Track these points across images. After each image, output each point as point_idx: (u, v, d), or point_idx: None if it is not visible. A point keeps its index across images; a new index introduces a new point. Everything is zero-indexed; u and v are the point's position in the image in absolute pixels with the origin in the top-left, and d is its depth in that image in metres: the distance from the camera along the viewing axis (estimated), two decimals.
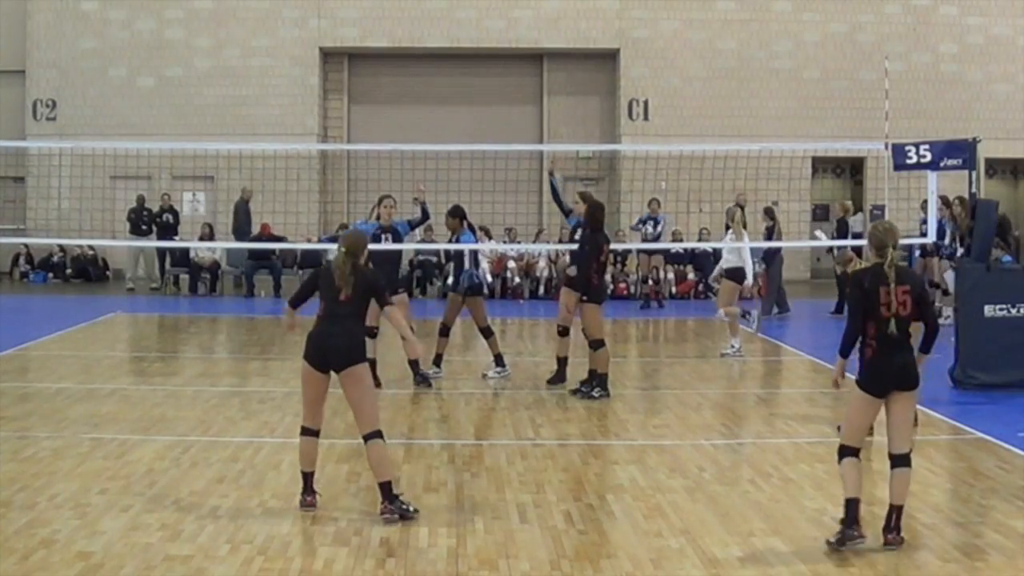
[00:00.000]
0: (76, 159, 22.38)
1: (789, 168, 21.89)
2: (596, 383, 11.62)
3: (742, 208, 16.36)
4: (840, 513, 6.75)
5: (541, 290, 23.32)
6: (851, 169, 28.93)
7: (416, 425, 10.32)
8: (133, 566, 6.28)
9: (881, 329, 6.69)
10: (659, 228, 21.49)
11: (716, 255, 23.84)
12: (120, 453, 8.98)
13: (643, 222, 21.82)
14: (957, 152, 13.41)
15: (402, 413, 10.85)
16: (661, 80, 27.14)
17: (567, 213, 12.72)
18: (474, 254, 13.00)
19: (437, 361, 12.72)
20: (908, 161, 13.83)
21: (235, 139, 24.59)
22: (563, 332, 12.17)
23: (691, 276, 23.99)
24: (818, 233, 22.31)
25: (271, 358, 14.70)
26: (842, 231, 21.49)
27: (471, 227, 13.36)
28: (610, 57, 27.60)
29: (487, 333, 12.78)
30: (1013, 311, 12.04)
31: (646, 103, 27.11)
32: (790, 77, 27.29)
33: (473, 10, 27.13)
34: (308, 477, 7.45)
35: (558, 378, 12.21)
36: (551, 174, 13.18)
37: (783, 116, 26.89)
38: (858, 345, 6.84)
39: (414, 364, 12.17)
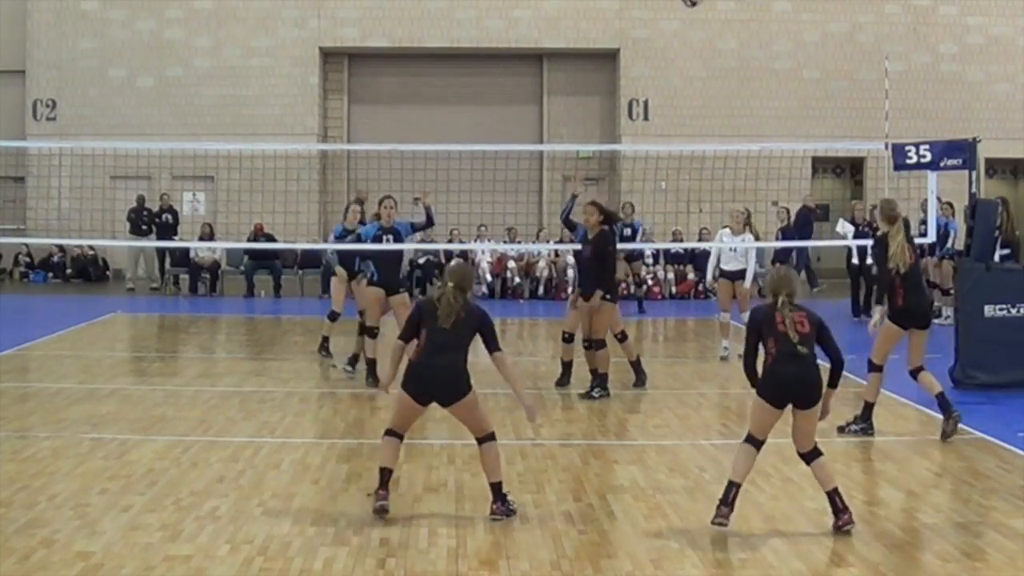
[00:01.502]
0: (76, 159, 22.40)
1: (789, 168, 21.88)
2: (597, 383, 11.64)
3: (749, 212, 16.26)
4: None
5: (541, 290, 23.33)
6: (851, 169, 28.93)
7: (416, 425, 10.27)
8: (133, 566, 6.28)
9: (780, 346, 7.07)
10: (638, 234, 20.54)
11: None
12: (120, 453, 8.98)
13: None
14: (957, 152, 13.41)
15: None
16: (661, 80, 27.14)
17: (573, 227, 12.65)
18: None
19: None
20: (908, 161, 13.83)
21: (235, 139, 24.60)
22: (570, 339, 12.19)
23: (691, 276, 23.99)
24: (841, 229, 20.88)
25: (271, 358, 14.70)
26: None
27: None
28: (610, 57, 27.60)
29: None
30: (1013, 311, 12.04)
31: (646, 103, 27.11)
32: (790, 77, 27.29)
33: (473, 10, 27.13)
34: (385, 473, 7.37)
35: (565, 379, 12.26)
36: (574, 196, 13.12)
37: (783, 116, 26.89)
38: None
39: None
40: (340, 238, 12.97)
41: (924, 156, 13.64)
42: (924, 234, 16.09)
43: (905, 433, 10.32)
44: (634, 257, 21.12)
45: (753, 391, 7.27)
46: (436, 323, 7.31)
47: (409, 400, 7.38)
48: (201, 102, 26.78)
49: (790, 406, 7.13)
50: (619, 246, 18.54)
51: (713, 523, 6.97)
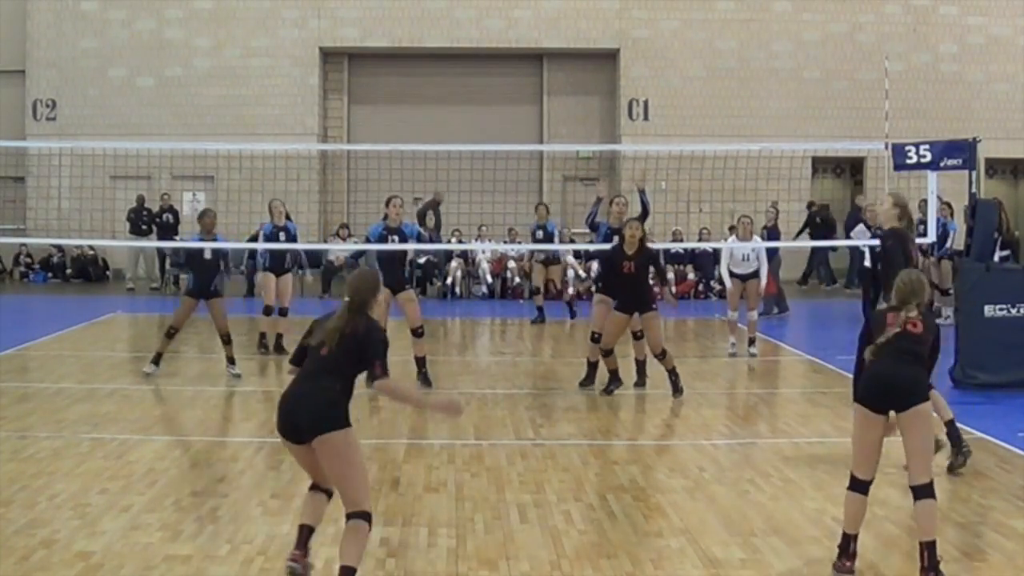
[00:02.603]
0: (76, 159, 22.39)
1: (789, 168, 21.86)
2: (611, 381, 11.92)
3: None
4: (839, 513, 6.74)
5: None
6: (851, 169, 28.94)
7: (416, 425, 10.31)
8: (133, 566, 6.28)
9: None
10: (554, 237, 19.46)
11: (715, 255, 23.91)
12: (120, 453, 8.98)
13: (532, 231, 19.58)
14: (957, 152, 13.40)
15: (402, 413, 10.84)
16: (661, 80, 27.14)
17: (596, 228, 13.06)
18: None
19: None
20: (908, 161, 13.82)
21: (235, 139, 24.59)
22: (598, 339, 12.25)
23: (691, 276, 23.99)
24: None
25: (271, 358, 14.69)
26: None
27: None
28: (610, 57, 27.60)
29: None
30: (1013, 311, 12.04)
31: (646, 103, 27.11)
32: (790, 77, 27.29)
33: (473, 10, 27.14)
34: (304, 531, 6.19)
35: (590, 380, 12.35)
36: (599, 199, 13.43)
37: (783, 116, 26.90)
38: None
39: (420, 361, 12.27)
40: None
41: (924, 156, 13.63)
42: (924, 234, 16.09)
43: None
44: (551, 261, 19.78)
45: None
46: (312, 343, 6.10)
47: (283, 440, 6.14)
48: (201, 102, 26.78)
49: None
50: (536, 247, 18.17)
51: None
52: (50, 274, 26.35)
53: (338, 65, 27.96)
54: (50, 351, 14.76)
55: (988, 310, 12.04)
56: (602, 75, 27.80)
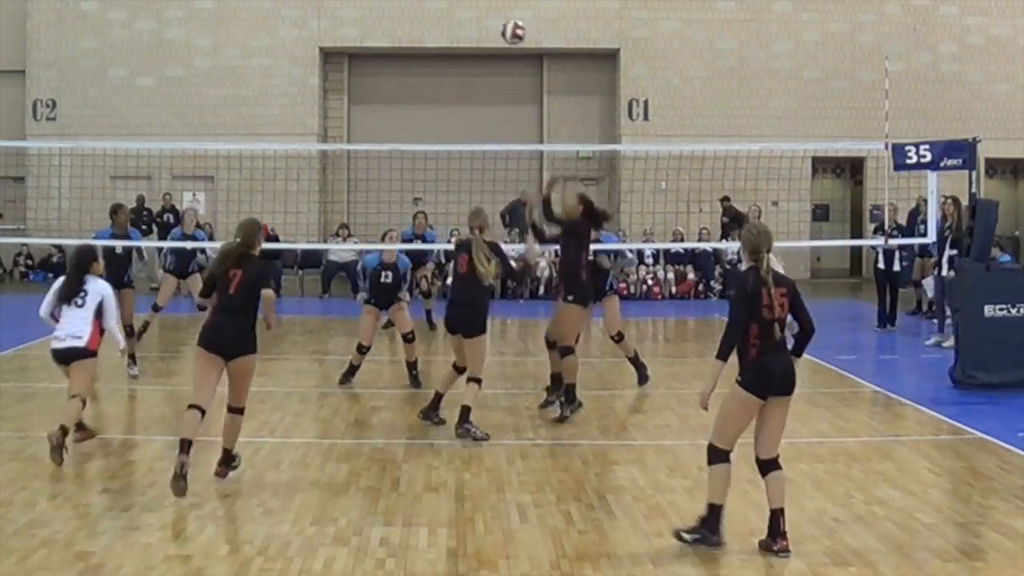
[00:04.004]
0: (76, 159, 22.40)
1: (789, 168, 21.90)
2: (564, 396, 10.72)
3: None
4: (839, 513, 6.74)
5: (541, 290, 23.32)
6: (851, 169, 28.94)
7: (416, 425, 10.31)
8: (133, 566, 6.28)
9: (765, 331, 6.64)
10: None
11: (715, 255, 23.94)
12: (120, 453, 8.98)
13: (408, 240, 16.74)
14: (957, 152, 13.42)
15: (402, 413, 10.85)
16: (661, 80, 27.14)
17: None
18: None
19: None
20: (908, 161, 13.85)
21: (235, 139, 24.59)
22: (619, 338, 12.28)
23: (691, 276, 23.99)
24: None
25: (271, 358, 14.68)
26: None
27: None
28: (610, 57, 27.60)
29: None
30: (1013, 311, 12.04)
31: (646, 103, 27.11)
32: (790, 77, 27.29)
33: (473, 10, 27.14)
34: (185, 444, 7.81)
35: (643, 378, 12.39)
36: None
37: (783, 116, 26.90)
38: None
39: (411, 365, 12.33)
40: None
41: (924, 156, 13.66)
42: (924, 234, 16.10)
43: (905, 433, 10.33)
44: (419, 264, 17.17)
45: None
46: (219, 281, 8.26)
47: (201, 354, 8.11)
48: (201, 102, 26.78)
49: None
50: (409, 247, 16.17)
51: (692, 544, 6.71)
52: (50, 274, 26.33)
53: (338, 65, 27.96)
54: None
55: (988, 310, 12.04)
56: (602, 75, 27.80)
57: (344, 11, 27.16)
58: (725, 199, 24.17)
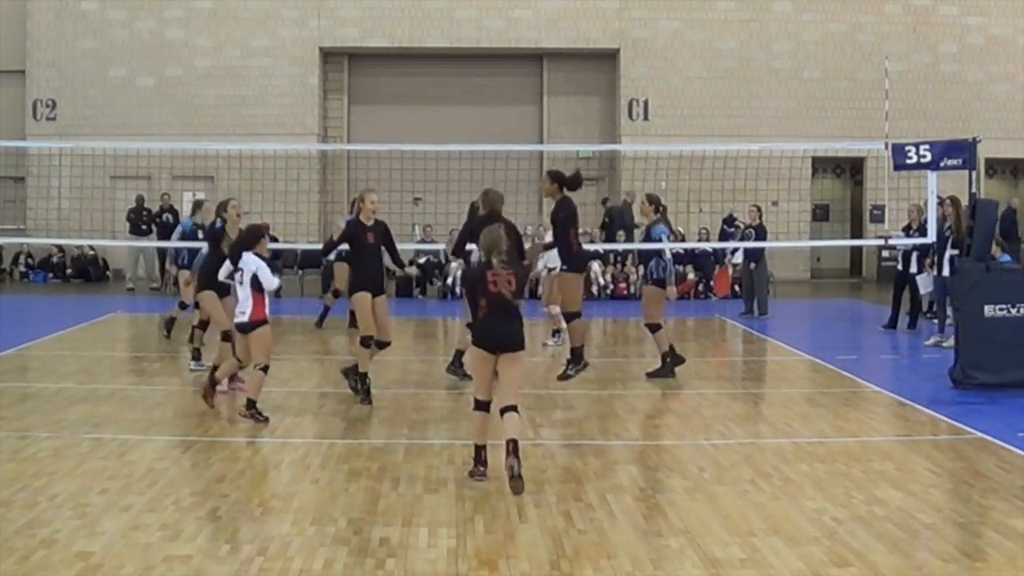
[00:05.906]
0: (76, 159, 22.41)
1: (789, 168, 21.92)
2: (571, 356, 12.16)
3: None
4: (839, 513, 6.73)
5: (541, 289, 23.28)
6: (851, 169, 28.96)
7: (416, 425, 10.31)
8: (133, 566, 6.28)
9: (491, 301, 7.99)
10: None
11: (716, 255, 23.94)
12: (120, 453, 8.98)
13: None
14: (957, 152, 13.42)
15: (402, 413, 10.84)
16: (661, 80, 27.16)
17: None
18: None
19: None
20: (908, 161, 13.84)
21: (235, 139, 24.62)
22: (656, 328, 12.77)
23: (691, 276, 23.98)
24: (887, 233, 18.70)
25: (271, 358, 14.67)
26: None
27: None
28: (610, 57, 27.61)
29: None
30: (1013, 311, 12.03)
31: (646, 103, 27.13)
32: (790, 77, 27.30)
33: (473, 10, 27.15)
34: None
35: (671, 369, 12.78)
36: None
37: (783, 116, 26.92)
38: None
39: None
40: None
41: (924, 156, 13.66)
42: (924, 234, 16.09)
43: (905, 433, 10.32)
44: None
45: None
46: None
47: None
48: (201, 102, 26.80)
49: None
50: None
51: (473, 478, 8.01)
52: (50, 274, 26.35)
53: (338, 65, 27.97)
54: (50, 351, 14.76)
55: (988, 310, 12.03)
56: (602, 75, 27.81)
57: (344, 11, 27.17)
58: (605, 200, 25.55)
